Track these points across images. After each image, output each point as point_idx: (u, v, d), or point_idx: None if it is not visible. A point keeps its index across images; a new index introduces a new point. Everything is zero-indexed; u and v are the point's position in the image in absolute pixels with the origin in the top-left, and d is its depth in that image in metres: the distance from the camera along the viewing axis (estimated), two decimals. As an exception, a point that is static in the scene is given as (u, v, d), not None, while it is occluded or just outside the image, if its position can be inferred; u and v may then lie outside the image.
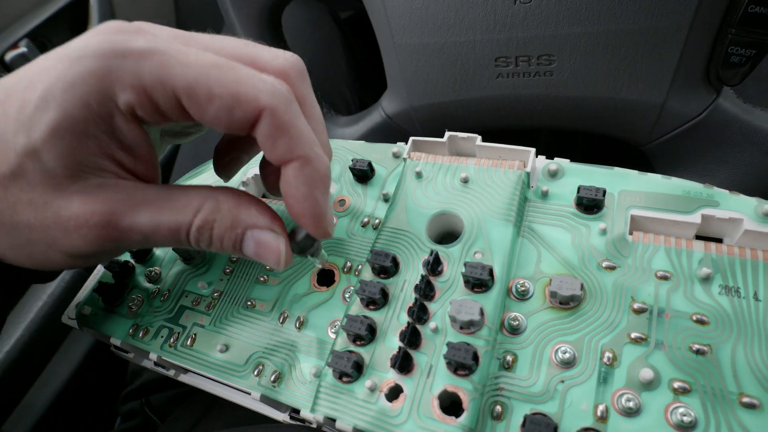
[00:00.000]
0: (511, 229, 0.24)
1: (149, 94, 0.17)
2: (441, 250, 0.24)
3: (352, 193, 0.29)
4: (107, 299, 0.29)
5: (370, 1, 0.36)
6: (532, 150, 0.26)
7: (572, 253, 0.23)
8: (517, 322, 0.22)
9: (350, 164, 0.29)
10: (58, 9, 0.68)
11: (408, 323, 0.22)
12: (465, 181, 0.26)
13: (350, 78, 0.62)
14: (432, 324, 0.22)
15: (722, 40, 0.30)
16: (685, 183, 0.24)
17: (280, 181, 0.19)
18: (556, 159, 0.26)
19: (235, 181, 0.32)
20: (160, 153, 0.27)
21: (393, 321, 0.23)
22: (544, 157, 0.27)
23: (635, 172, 0.25)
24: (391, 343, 0.22)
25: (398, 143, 0.30)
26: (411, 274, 0.24)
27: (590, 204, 0.24)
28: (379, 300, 0.23)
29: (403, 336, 0.21)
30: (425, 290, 0.23)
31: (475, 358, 0.20)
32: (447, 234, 0.27)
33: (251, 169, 0.32)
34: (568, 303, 0.22)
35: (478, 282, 0.22)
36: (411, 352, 0.21)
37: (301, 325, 0.25)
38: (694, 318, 0.20)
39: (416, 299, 0.22)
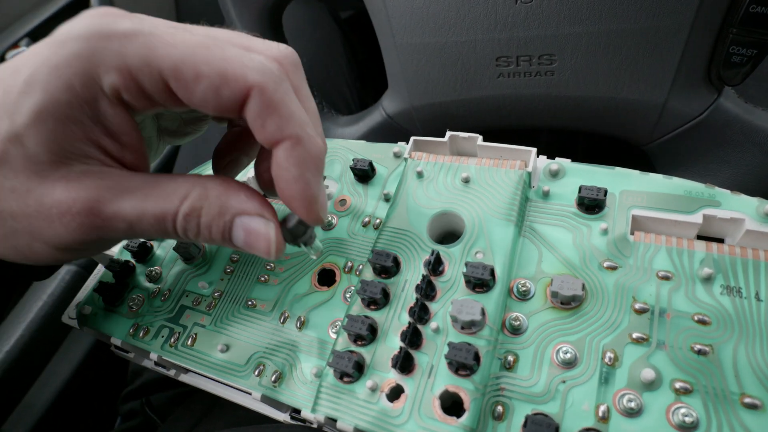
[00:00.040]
0: (513, 229, 0.24)
1: (134, 76, 0.17)
2: (442, 249, 0.24)
3: (353, 192, 0.29)
4: (108, 299, 0.29)
5: (371, 0, 0.36)
6: (534, 150, 0.25)
7: (573, 253, 0.23)
8: (518, 322, 0.22)
9: (351, 164, 0.29)
10: (58, 9, 0.68)
11: (409, 323, 0.22)
12: (466, 180, 0.26)
13: (351, 78, 0.62)
14: (433, 324, 0.22)
15: (723, 39, 0.30)
16: (686, 183, 0.24)
17: (271, 164, 0.19)
18: (557, 159, 0.26)
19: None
20: (159, 154, 0.27)
21: (394, 321, 0.23)
22: (545, 157, 0.27)
23: (636, 172, 0.25)
24: (392, 343, 0.22)
25: (399, 143, 0.30)
26: (412, 274, 0.24)
27: (591, 204, 0.24)
28: (380, 300, 0.23)
29: (404, 336, 0.21)
30: (426, 290, 0.23)
31: (477, 358, 0.20)
32: (448, 234, 0.27)
33: (251, 170, 0.32)
34: (569, 303, 0.22)
35: (480, 282, 0.22)
36: (412, 352, 0.21)
37: (302, 325, 0.25)
38: (696, 318, 0.20)
39: (417, 299, 0.22)
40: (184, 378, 0.28)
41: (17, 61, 0.18)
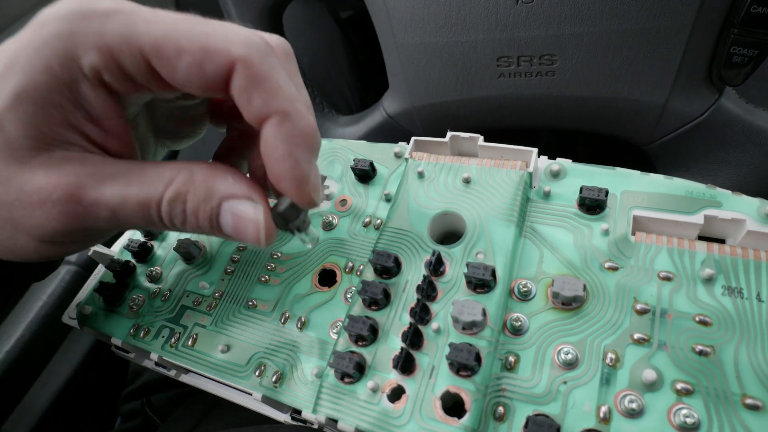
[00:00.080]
0: (514, 229, 0.24)
1: (114, 55, 0.16)
2: (443, 250, 0.24)
3: (353, 193, 0.29)
4: (108, 299, 0.29)
5: (372, 0, 0.36)
6: (535, 150, 0.25)
7: (574, 253, 0.23)
8: (519, 323, 0.22)
9: (352, 164, 0.29)
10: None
11: (410, 324, 0.22)
12: (467, 181, 0.26)
13: (351, 78, 0.62)
14: (434, 324, 0.22)
15: (724, 40, 0.30)
16: (687, 183, 0.24)
17: (260, 143, 0.18)
18: (558, 159, 0.26)
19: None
20: (156, 158, 0.27)
21: (395, 321, 0.23)
22: (546, 157, 0.27)
23: (637, 172, 0.25)
24: (393, 344, 0.22)
25: (400, 143, 0.30)
26: (413, 274, 0.24)
27: (593, 204, 0.24)
28: (381, 300, 0.23)
29: (405, 336, 0.21)
30: (427, 291, 0.23)
31: (478, 358, 0.20)
32: (449, 234, 0.27)
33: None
34: (570, 304, 0.22)
35: (481, 282, 0.22)
36: (413, 352, 0.21)
37: (303, 325, 0.25)
38: (697, 319, 0.20)
39: (418, 300, 0.22)
40: (185, 378, 0.28)
41: (2, 46, 0.17)
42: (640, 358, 0.20)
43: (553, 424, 0.18)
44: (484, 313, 0.21)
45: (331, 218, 0.28)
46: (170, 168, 0.18)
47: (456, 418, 0.20)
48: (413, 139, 0.28)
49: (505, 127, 0.38)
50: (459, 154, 0.28)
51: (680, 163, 0.36)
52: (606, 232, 0.23)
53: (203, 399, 0.37)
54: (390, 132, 0.40)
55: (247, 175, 0.21)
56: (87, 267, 0.49)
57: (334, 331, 0.24)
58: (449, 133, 0.27)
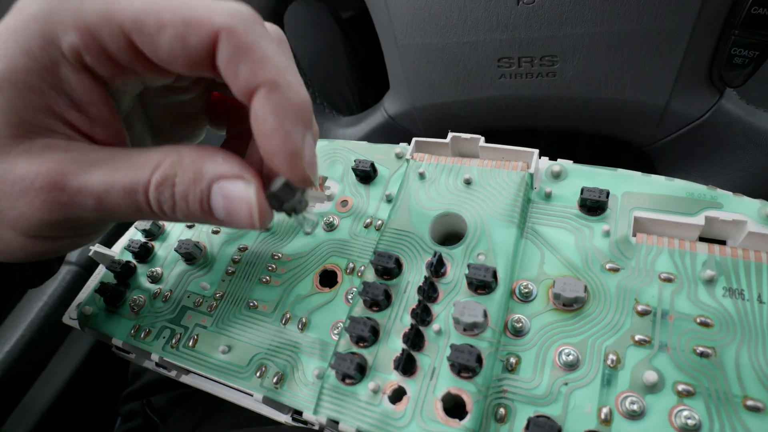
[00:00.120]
0: (515, 230, 0.24)
1: (94, 34, 0.16)
2: (444, 251, 0.24)
3: (354, 193, 0.29)
4: (109, 300, 0.29)
5: (373, 1, 0.36)
6: (536, 151, 0.25)
7: (575, 254, 0.23)
8: (520, 324, 0.22)
9: (353, 165, 0.29)
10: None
11: (411, 325, 0.22)
12: (468, 182, 0.26)
13: (352, 78, 0.62)
14: (435, 326, 0.22)
15: (725, 41, 0.30)
16: (688, 185, 0.24)
17: (250, 119, 0.17)
18: (559, 160, 0.26)
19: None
20: None
21: (396, 323, 0.23)
22: (547, 158, 0.27)
23: (638, 173, 0.25)
24: (394, 345, 0.22)
25: (401, 144, 0.30)
26: (414, 275, 0.24)
27: (593, 205, 0.24)
28: (382, 302, 0.23)
29: (406, 338, 0.21)
30: (428, 292, 0.23)
31: (479, 360, 0.20)
32: (450, 235, 0.27)
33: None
34: (571, 305, 0.22)
35: (482, 284, 0.22)
36: (414, 354, 0.21)
37: (304, 326, 0.25)
38: (698, 320, 0.20)
39: (419, 301, 0.22)
40: (185, 379, 0.28)
41: None
42: (641, 360, 0.20)
43: (554, 425, 0.18)
44: (486, 315, 0.21)
45: (332, 219, 0.28)
46: (158, 152, 0.17)
47: (457, 420, 0.20)
48: (414, 139, 0.28)
49: (505, 127, 0.38)
50: (460, 155, 0.28)
51: (681, 164, 0.36)
52: (607, 234, 0.23)
53: (204, 400, 0.37)
54: (391, 132, 0.40)
55: None
56: (87, 267, 0.49)
57: (335, 332, 0.24)
58: (450, 134, 0.27)
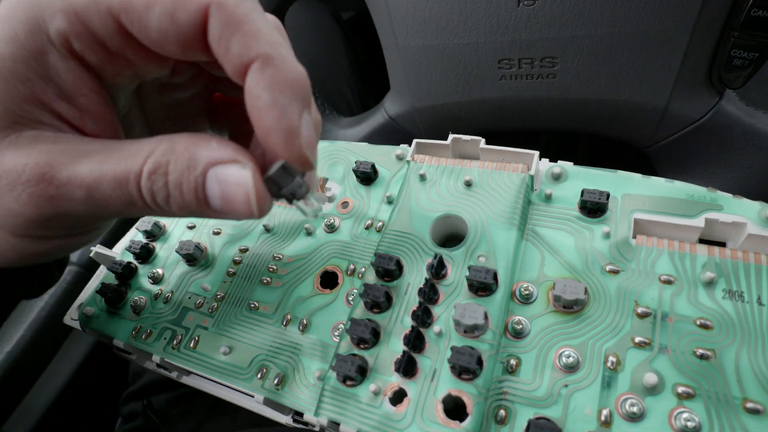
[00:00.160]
0: (515, 232, 0.24)
1: (82, 17, 0.15)
2: (445, 253, 0.24)
3: (355, 195, 0.29)
4: (110, 300, 0.29)
5: (373, 2, 0.36)
6: (536, 153, 0.26)
7: (576, 256, 0.23)
8: (520, 326, 0.22)
9: (354, 166, 0.29)
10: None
11: (412, 327, 0.22)
12: (468, 184, 0.26)
13: (352, 79, 0.62)
14: (436, 328, 0.22)
15: (725, 43, 0.30)
16: (688, 187, 0.24)
17: (244, 97, 0.16)
18: (559, 162, 0.26)
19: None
20: None
21: (397, 324, 0.23)
22: (547, 160, 0.27)
23: (639, 175, 0.25)
24: (395, 347, 0.22)
25: (402, 145, 0.30)
26: (415, 277, 0.24)
27: (594, 207, 0.24)
28: (382, 303, 0.23)
29: (407, 340, 0.21)
30: (429, 294, 0.23)
31: (479, 362, 0.20)
32: (451, 237, 0.27)
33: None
34: (571, 307, 0.22)
35: (482, 286, 0.22)
36: (415, 355, 0.22)
37: (305, 328, 0.25)
38: (698, 322, 0.20)
39: (420, 303, 0.22)
40: (186, 380, 0.28)
41: None
42: (641, 362, 0.20)
43: (555, 427, 0.18)
44: (486, 317, 0.21)
45: (332, 220, 0.28)
46: (150, 141, 0.16)
47: (458, 422, 0.20)
48: (415, 141, 0.28)
49: (505, 129, 0.38)
50: (461, 157, 0.28)
51: (681, 165, 0.36)
52: (607, 235, 0.23)
53: (204, 400, 0.37)
54: (391, 133, 0.40)
55: None
56: (88, 267, 0.49)
57: (336, 333, 0.24)
58: (451, 136, 0.27)
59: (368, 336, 0.22)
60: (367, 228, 0.27)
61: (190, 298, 0.28)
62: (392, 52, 0.37)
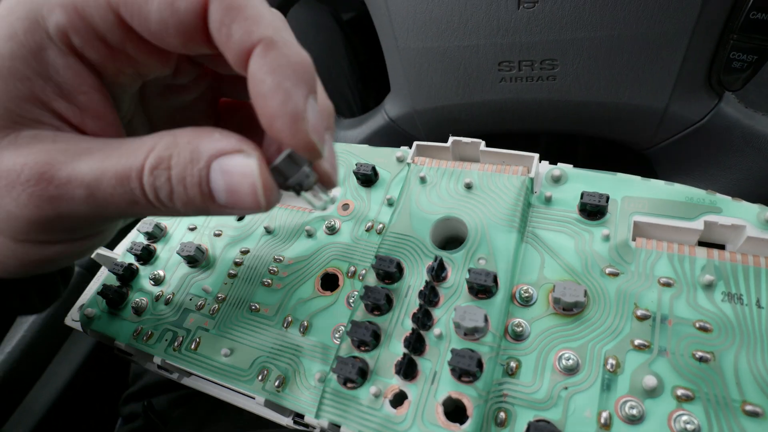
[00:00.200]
0: (515, 235, 0.24)
1: (81, 11, 0.15)
2: (445, 255, 0.24)
3: (356, 197, 0.29)
4: (111, 302, 0.29)
5: (374, 3, 0.36)
6: (536, 155, 0.26)
7: (575, 259, 0.23)
8: (520, 329, 0.22)
9: (354, 168, 0.29)
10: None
11: (412, 329, 0.22)
12: (469, 186, 0.26)
13: (353, 80, 0.62)
14: (436, 330, 0.22)
15: (724, 45, 0.30)
16: (687, 189, 0.24)
17: (248, 84, 0.15)
18: (559, 164, 0.26)
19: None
20: None
21: (397, 327, 0.23)
22: (547, 162, 0.27)
23: (638, 178, 0.25)
24: (395, 349, 0.22)
25: (402, 147, 0.30)
26: (415, 279, 0.24)
27: (593, 210, 0.24)
28: (383, 306, 0.23)
29: (407, 342, 0.21)
30: (429, 296, 0.23)
31: (480, 364, 0.20)
32: (451, 239, 0.27)
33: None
34: (571, 309, 0.22)
35: (482, 288, 0.22)
36: (415, 358, 0.22)
37: (305, 330, 0.25)
38: (697, 325, 0.20)
39: (420, 305, 0.22)
40: (187, 381, 0.28)
41: None
42: (640, 364, 0.20)
43: (554, 429, 0.19)
44: (486, 319, 0.21)
45: (333, 222, 0.28)
46: (152, 137, 0.16)
47: (458, 424, 0.20)
48: (415, 143, 0.28)
49: (505, 131, 0.38)
50: (461, 159, 0.28)
51: (680, 167, 0.36)
52: (607, 238, 0.23)
53: (205, 402, 0.37)
54: (392, 135, 0.40)
55: None
56: (89, 268, 0.49)
57: (337, 335, 0.24)
58: (451, 138, 0.27)
59: (369, 338, 0.22)
60: (367, 230, 0.27)
61: (191, 299, 0.28)
62: (392, 54, 0.37)
